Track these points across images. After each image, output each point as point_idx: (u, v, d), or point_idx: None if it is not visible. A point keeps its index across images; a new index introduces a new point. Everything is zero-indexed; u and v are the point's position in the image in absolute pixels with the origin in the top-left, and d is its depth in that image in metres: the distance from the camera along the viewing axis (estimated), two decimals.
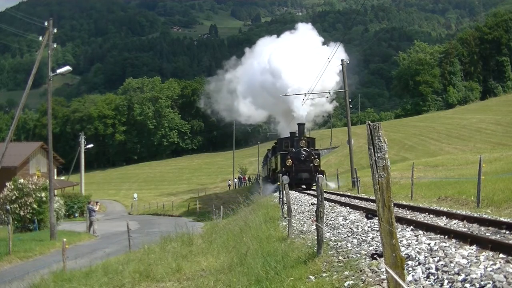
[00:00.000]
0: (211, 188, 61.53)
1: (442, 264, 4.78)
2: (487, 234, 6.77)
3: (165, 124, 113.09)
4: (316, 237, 6.36)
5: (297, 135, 27.44)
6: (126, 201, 62.19)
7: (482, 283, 4.03)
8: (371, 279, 4.61)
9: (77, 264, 12.05)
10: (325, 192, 7.96)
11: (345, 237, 7.50)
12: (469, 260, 4.89)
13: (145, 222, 35.32)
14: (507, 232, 6.77)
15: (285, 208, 10.29)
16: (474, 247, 5.67)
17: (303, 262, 6.04)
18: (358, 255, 5.85)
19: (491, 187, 13.08)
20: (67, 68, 24.81)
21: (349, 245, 6.69)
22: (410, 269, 4.81)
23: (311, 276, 5.33)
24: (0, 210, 24.30)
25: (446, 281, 4.26)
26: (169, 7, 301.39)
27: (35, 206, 23.79)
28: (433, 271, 4.62)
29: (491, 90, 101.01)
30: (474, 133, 58.16)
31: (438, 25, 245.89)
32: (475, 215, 8.96)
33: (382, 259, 3.53)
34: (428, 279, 4.46)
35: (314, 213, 7.77)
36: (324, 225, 7.13)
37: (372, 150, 3.42)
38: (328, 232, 8.13)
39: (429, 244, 5.93)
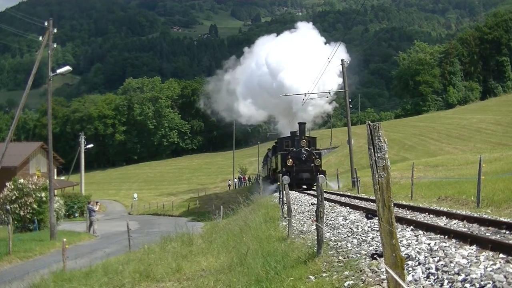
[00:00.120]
0: (211, 188, 61.53)
1: (442, 264, 4.78)
2: (487, 234, 6.77)
3: (165, 124, 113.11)
4: (316, 237, 6.36)
5: (298, 134, 27.03)
6: (126, 201, 62.20)
7: (482, 283, 4.03)
8: (371, 279, 4.61)
9: (77, 264, 12.05)
10: (325, 192, 7.96)
11: (345, 237, 7.50)
12: (469, 260, 4.89)
13: (145, 222, 35.32)
14: (507, 232, 6.77)
15: (285, 208, 10.29)
16: (474, 247, 5.66)
17: (303, 262, 6.04)
18: (358, 255, 5.85)
19: (491, 187, 13.08)
20: (67, 68, 24.81)
21: (349, 245, 6.69)
22: (410, 269, 4.81)
23: (311, 276, 5.33)
24: (0, 210, 24.30)
25: (446, 281, 4.26)
26: (169, 7, 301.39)
27: (35, 206, 23.79)
28: (433, 271, 4.62)
29: (491, 90, 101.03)
30: (474, 133, 58.17)
31: (438, 25, 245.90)
32: (475, 215, 8.96)
33: (382, 259, 3.53)
34: (428, 279, 4.46)
35: (314, 213, 7.77)
36: (324, 225, 7.13)
37: (372, 150, 3.42)
38: (328, 232, 8.13)
39: (429, 244, 5.93)
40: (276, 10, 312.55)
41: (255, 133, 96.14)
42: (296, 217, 11.24)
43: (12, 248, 16.64)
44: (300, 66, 33.06)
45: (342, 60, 27.18)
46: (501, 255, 5.04)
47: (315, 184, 24.33)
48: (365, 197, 16.09)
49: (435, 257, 5.09)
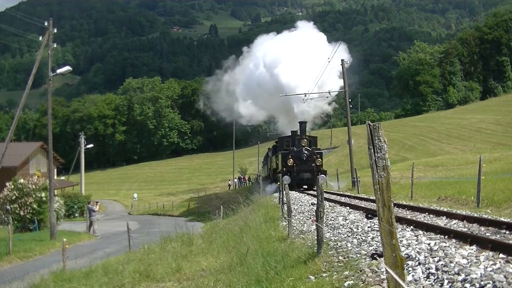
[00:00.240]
0: (211, 188, 61.53)
1: (442, 264, 4.78)
2: (487, 234, 6.77)
3: (165, 124, 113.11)
4: (316, 237, 6.36)
5: (299, 133, 26.43)
6: (126, 201, 62.20)
7: (482, 283, 4.03)
8: (371, 279, 4.61)
9: (77, 264, 12.05)
10: (325, 192, 7.95)
11: (345, 237, 7.50)
12: (469, 260, 4.89)
13: (145, 222, 35.32)
14: (507, 232, 6.77)
15: (285, 208, 10.29)
16: (474, 247, 5.66)
17: (303, 262, 6.04)
18: (358, 255, 5.85)
19: (491, 187, 13.09)
20: (67, 68, 24.81)
21: (349, 245, 6.69)
22: (410, 269, 4.81)
23: (311, 276, 5.33)
24: (0, 210, 24.31)
25: (446, 281, 4.26)
26: (169, 7, 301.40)
27: (35, 206, 23.80)
28: (433, 271, 4.62)
29: (491, 90, 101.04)
30: (474, 133, 58.18)
31: (438, 25, 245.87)
32: (475, 215, 8.96)
33: (382, 259, 3.53)
34: (428, 279, 4.46)
35: (314, 213, 7.77)
36: (324, 225, 7.13)
37: (372, 150, 3.42)
38: (328, 232, 8.13)
39: (429, 244, 5.93)
40: (276, 10, 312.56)
41: (255, 133, 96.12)
42: (296, 217, 11.24)
43: (12, 248, 16.64)
44: (297, 63, 32.73)
45: (342, 60, 27.17)
46: (501, 255, 5.04)
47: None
48: (365, 197, 16.09)
49: (435, 257, 5.09)
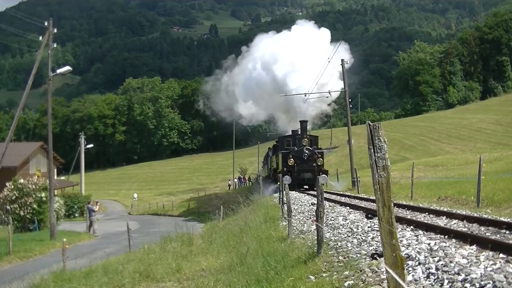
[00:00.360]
0: (211, 188, 61.53)
1: (442, 264, 4.78)
2: (487, 234, 6.76)
3: (165, 124, 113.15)
4: (316, 237, 6.36)
5: (299, 133, 25.92)
6: (126, 201, 62.23)
7: (482, 283, 4.02)
8: (371, 279, 4.61)
9: (77, 264, 12.06)
10: (325, 192, 7.95)
11: (345, 237, 7.50)
12: (469, 260, 4.89)
13: (145, 222, 35.31)
14: (507, 232, 6.77)
15: (285, 208, 10.28)
16: (474, 247, 5.66)
17: (303, 262, 6.04)
18: (358, 255, 5.85)
19: (491, 187, 13.09)
20: (67, 68, 24.81)
21: (349, 245, 6.69)
22: (410, 269, 4.81)
23: (311, 276, 5.33)
24: (0, 210, 24.31)
25: (446, 281, 4.26)
26: (169, 7, 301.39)
27: (35, 206, 23.80)
28: (433, 271, 4.61)
29: (491, 90, 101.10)
30: (474, 133, 58.19)
31: (438, 25, 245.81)
32: (475, 215, 8.95)
33: (382, 259, 3.53)
34: (428, 279, 4.46)
35: (314, 213, 7.77)
36: (324, 225, 7.13)
37: (372, 150, 3.42)
38: (328, 232, 8.13)
39: (429, 244, 5.93)
40: (276, 10, 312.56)
41: (255, 133, 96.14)
42: (296, 217, 11.24)
43: (12, 248, 16.65)
44: (298, 61, 32.60)
45: (342, 60, 27.14)
46: (501, 255, 5.04)
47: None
48: (365, 197, 16.08)
49: (435, 257, 5.09)
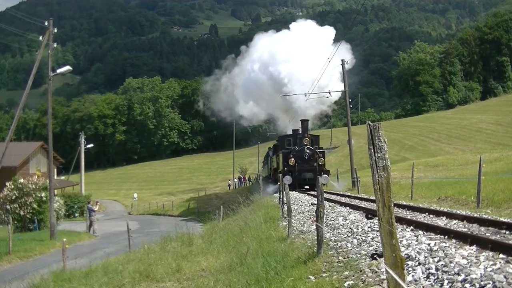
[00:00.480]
0: (211, 188, 61.54)
1: (442, 264, 4.78)
2: (487, 234, 6.76)
3: (165, 124, 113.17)
4: (316, 237, 6.36)
5: (300, 132, 25.53)
6: (126, 201, 62.23)
7: (482, 283, 4.02)
8: (371, 279, 4.61)
9: (77, 264, 12.06)
10: (325, 192, 7.94)
11: (345, 237, 7.50)
12: (469, 260, 4.89)
13: (145, 222, 35.31)
14: (507, 232, 6.77)
15: (285, 208, 10.28)
16: (474, 247, 5.66)
17: (303, 262, 6.04)
18: (358, 255, 5.85)
19: (491, 187, 13.08)
20: (67, 68, 24.81)
21: (349, 245, 6.69)
22: (410, 269, 4.81)
23: (311, 276, 5.33)
24: (0, 210, 24.31)
25: (446, 281, 4.26)
26: (169, 7, 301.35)
27: (35, 206, 23.80)
28: (433, 271, 4.61)
29: (491, 90, 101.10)
30: (474, 133, 58.20)
31: (438, 25, 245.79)
32: (475, 215, 8.95)
33: (382, 259, 3.53)
34: (428, 279, 4.46)
35: (314, 213, 7.77)
36: (324, 225, 7.13)
37: (372, 150, 3.42)
38: (328, 232, 8.13)
39: (429, 244, 5.93)
40: (276, 10, 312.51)
41: (255, 133, 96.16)
42: (296, 217, 11.23)
43: (12, 248, 16.65)
44: (296, 61, 32.46)
45: (342, 60, 27.11)
46: (501, 255, 5.04)
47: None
48: (365, 197, 16.08)
49: (435, 257, 5.09)
